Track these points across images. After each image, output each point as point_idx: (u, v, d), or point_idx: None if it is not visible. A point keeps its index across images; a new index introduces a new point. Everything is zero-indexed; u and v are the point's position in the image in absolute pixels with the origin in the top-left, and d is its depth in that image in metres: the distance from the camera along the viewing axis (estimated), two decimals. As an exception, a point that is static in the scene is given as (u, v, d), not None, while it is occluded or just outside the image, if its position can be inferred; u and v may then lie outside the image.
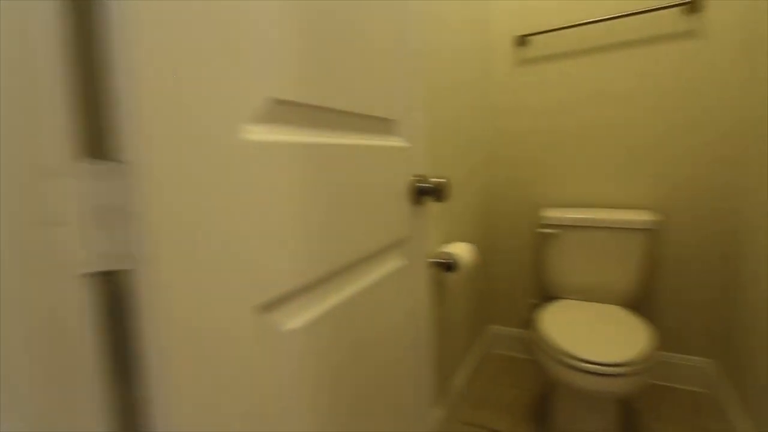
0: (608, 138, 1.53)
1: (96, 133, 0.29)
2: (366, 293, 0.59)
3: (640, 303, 1.59)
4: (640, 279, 1.42)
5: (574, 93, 1.55)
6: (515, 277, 1.82)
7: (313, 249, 0.47)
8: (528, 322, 1.83)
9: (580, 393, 1.11)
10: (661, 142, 1.45)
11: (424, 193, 0.75)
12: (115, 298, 0.31)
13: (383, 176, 0.64)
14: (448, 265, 1.13)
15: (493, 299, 1.89)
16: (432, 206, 1.16)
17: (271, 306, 0.42)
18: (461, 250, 1.16)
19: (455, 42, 1.29)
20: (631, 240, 1.39)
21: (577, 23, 1.45)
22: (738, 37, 1.30)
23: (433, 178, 0.74)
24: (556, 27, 1.50)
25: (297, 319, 0.46)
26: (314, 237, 0.47)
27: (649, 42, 1.41)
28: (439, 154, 1.20)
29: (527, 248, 1.76)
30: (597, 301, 1.47)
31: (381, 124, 0.64)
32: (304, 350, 0.46)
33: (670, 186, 1.46)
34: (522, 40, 1.59)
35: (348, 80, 0.52)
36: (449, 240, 1.32)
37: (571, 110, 1.57)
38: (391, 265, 0.68)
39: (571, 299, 1.49)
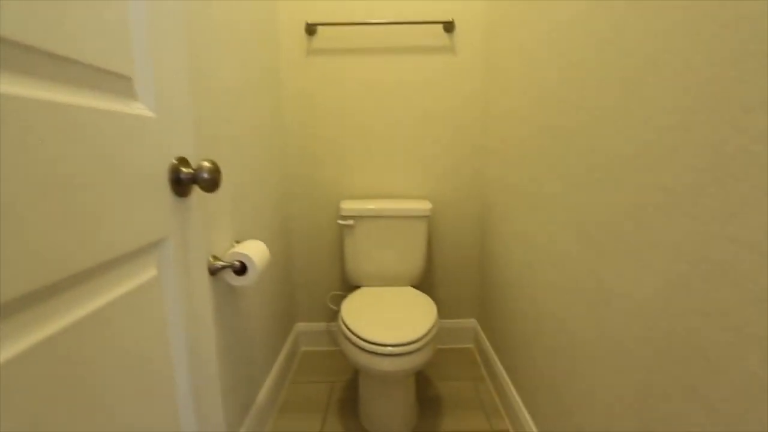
0: (389, 134, 1.66)
1: None
2: (86, 325, 0.39)
3: (424, 281, 1.81)
4: (426, 260, 1.60)
5: (358, 90, 1.62)
6: (319, 271, 1.80)
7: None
8: (334, 314, 1.85)
9: (382, 375, 1.15)
10: (428, 138, 1.67)
11: (190, 181, 0.58)
12: None
13: (118, 156, 0.45)
14: (238, 268, 0.98)
15: (299, 296, 1.82)
16: (213, 202, 0.98)
17: None
18: (254, 250, 1.02)
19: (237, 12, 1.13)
20: (415, 227, 1.55)
21: (358, 22, 1.51)
22: (480, 55, 1.60)
23: (203, 162, 0.58)
24: (340, 21, 1.53)
25: None
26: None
27: (420, 51, 1.60)
28: (216, 137, 1.02)
29: (328, 241, 1.76)
30: (392, 285, 1.58)
31: (109, 81, 0.45)
32: None
33: (437, 176, 1.70)
34: (311, 29, 1.55)
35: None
36: (242, 239, 1.15)
37: (357, 106, 1.63)
38: (138, 276, 0.49)
39: (370, 286, 1.56)
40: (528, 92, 1.16)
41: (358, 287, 1.64)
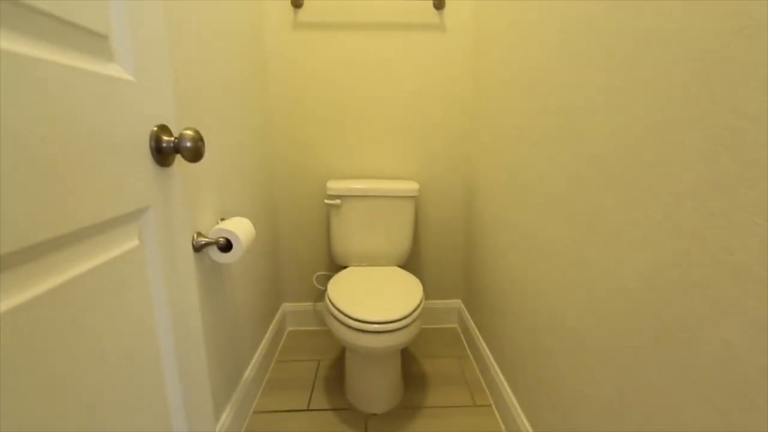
0: (377, 113, 1.64)
1: None
2: (68, 289, 0.38)
3: (410, 261, 1.82)
4: (412, 240, 1.61)
5: (346, 67, 1.58)
6: (305, 251, 1.79)
7: None
8: (320, 295, 1.85)
9: (369, 352, 1.16)
10: (417, 118, 1.65)
11: (172, 150, 0.56)
12: None
13: (98, 118, 0.43)
14: (223, 245, 0.97)
15: (285, 276, 1.81)
16: (197, 178, 0.95)
17: None
18: (239, 227, 1.00)
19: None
20: (403, 207, 1.55)
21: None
22: (469, 35, 1.58)
23: (185, 130, 0.56)
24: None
25: None
26: None
27: (409, 28, 1.56)
28: (197, 109, 0.99)
29: (315, 221, 1.75)
30: (379, 265, 1.59)
31: (83, 38, 0.42)
32: None
33: (425, 157, 1.69)
34: (297, 1, 1.49)
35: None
36: (226, 216, 1.13)
37: (345, 84, 1.60)
38: (120, 246, 0.47)
39: (357, 266, 1.56)
40: (517, 72, 1.15)
41: (344, 267, 1.64)
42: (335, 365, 1.58)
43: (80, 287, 0.40)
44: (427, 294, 1.88)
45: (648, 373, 0.61)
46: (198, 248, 0.93)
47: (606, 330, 0.72)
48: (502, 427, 1.24)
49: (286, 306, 1.84)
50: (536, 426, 1.02)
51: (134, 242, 0.50)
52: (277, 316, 1.73)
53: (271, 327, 1.63)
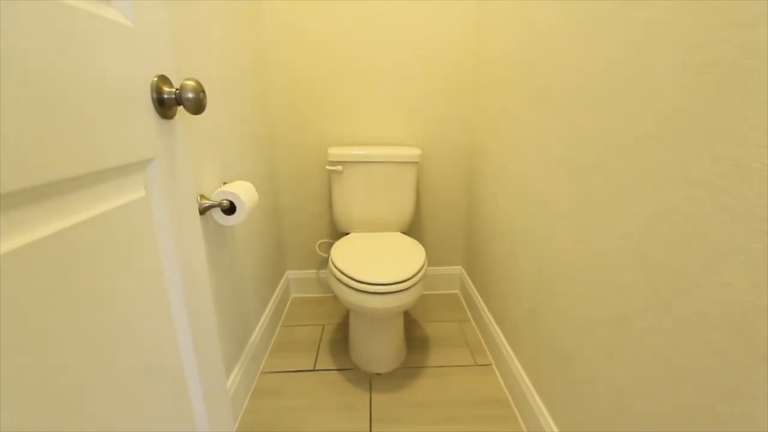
0: (378, 80, 1.60)
1: None
2: (80, 230, 0.39)
3: (412, 228, 1.83)
4: (414, 206, 1.61)
5: (346, 29, 1.53)
6: (308, 219, 1.80)
7: None
8: (323, 262, 1.87)
9: (372, 312, 1.19)
10: (419, 83, 1.62)
11: (174, 101, 0.55)
12: None
13: (98, 61, 0.42)
14: (227, 207, 0.97)
15: (288, 244, 1.83)
16: (198, 136, 0.94)
17: None
18: (242, 189, 1.00)
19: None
20: (405, 173, 1.54)
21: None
22: (474, -7, 1.53)
23: (186, 80, 0.55)
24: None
25: None
26: None
27: (412, -14, 1.50)
28: (196, 65, 0.97)
29: (317, 189, 1.75)
30: (381, 231, 1.60)
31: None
32: None
33: (426, 122, 1.67)
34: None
35: None
36: (228, 180, 1.13)
37: (345, 48, 1.56)
38: (127, 194, 0.48)
39: (360, 232, 1.57)
40: (518, 36, 1.12)
41: (346, 234, 1.65)
42: (339, 329, 1.61)
43: (88, 231, 0.41)
44: (430, 261, 1.90)
45: (648, 320, 0.63)
46: (202, 211, 0.93)
47: (606, 282, 0.73)
48: (502, 382, 1.29)
49: (290, 273, 1.87)
50: (534, 377, 1.06)
51: (141, 193, 0.50)
52: (281, 283, 1.75)
53: (276, 293, 1.65)
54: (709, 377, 0.52)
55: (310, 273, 1.88)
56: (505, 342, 1.29)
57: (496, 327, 1.38)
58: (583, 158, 0.81)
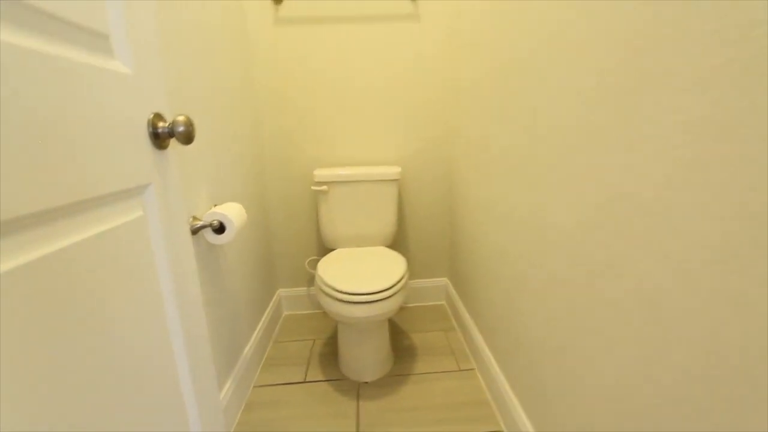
0: (359, 103, 1.72)
1: None
2: (82, 248, 0.47)
3: (396, 241, 1.92)
4: (397, 221, 1.70)
5: (327, 59, 1.66)
6: (297, 238, 1.88)
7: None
8: (313, 279, 1.94)
9: (357, 322, 1.26)
10: (397, 106, 1.73)
11: (167, 134, 0.65)
12: None
13: (105, 106, 0.51)
14: (217, 227, 1.05)
15: (279, 263, 1.90)
16: (190, 164, 1.03)
17: None
18: (231, 210, 1.09)
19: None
20: (386, 190, 1.64)
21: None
22: (444, 23, 1.66)
23: (178, 116, 0.64)
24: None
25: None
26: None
27: (386, 19, 1.64)
28: (186, 99, 1.07)
29: (304, 209, 1.84)
30: (367, 246, 1.68)
31: (88, 37, 0.50)
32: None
33: (406, 142, 1.78)
34: (278, -4, 1.56)
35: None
36: (219, 202, 1.22)
37: (327, 76, 1.68)
38: (127, 214, 0.56)
39: (345, 248, 1.65)
40: (488, 58, 1.24)
41: (332, 250, 1.73)
42: (329, 343, 1.67)
43: (97, 245, 0.49)
44: (416, 273, 1.97)
45: (595, 317, 0.71)
46: (194, 231, 1.01)
47: (563, 284, 0.82)
48: (483, 384, 1.35)
49: (282, 291, 1.93)
50: (510, 378, 1.13)
51: (139, 212, 0.59)
52: (273, 301, 1.82)
53: (268, 310, 1.72)
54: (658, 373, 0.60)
55: (301, 290, 1.94)
56: (484, 345, 1.36)
57: (478, 333, 1.45)
58: (530, 168, 0.91)
